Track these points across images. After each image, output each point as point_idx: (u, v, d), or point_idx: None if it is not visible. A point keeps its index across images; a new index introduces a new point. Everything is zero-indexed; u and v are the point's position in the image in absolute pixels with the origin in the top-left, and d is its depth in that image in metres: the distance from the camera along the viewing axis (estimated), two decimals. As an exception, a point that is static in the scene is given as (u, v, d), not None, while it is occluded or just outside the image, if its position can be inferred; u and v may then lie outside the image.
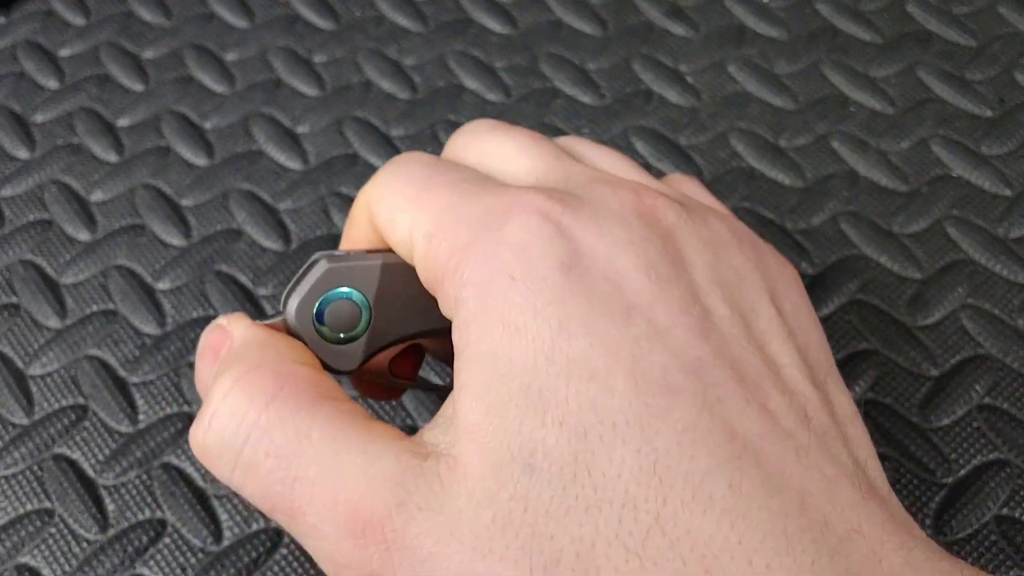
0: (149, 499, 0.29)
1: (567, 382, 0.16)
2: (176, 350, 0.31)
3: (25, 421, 0.30)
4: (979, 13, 0.38)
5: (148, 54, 0.39)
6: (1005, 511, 0.27)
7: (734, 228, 0.21)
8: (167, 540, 0.28)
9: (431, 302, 0.20)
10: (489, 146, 0.22)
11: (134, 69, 0.39)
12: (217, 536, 0.28)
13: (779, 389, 0.18)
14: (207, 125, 0.37)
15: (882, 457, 0.28)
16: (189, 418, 0.30)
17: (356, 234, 0.23)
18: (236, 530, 0.28)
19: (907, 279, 0.32)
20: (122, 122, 0.37)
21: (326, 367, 0.21)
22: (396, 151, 0.36)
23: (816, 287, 0.32)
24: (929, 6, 0.38)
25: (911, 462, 0.28)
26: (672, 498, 0.15)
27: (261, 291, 0.33)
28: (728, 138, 0.35)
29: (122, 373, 0.31)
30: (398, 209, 0.20)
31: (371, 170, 0.35)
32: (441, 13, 0.40)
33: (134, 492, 0.29)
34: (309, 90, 0.38)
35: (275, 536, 0.28)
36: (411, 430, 0.29)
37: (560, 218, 0.18)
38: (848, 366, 0.30)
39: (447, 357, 0.19)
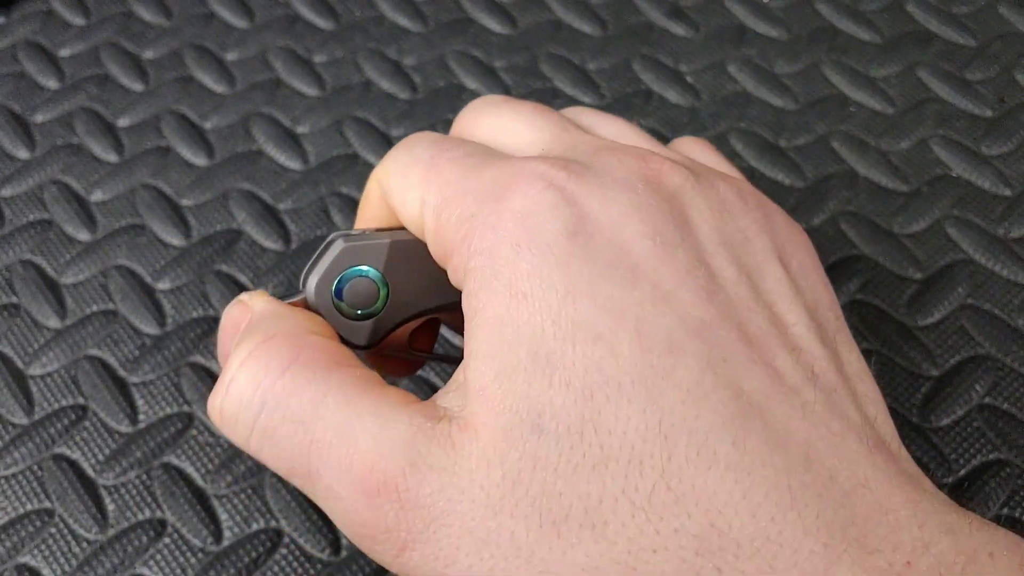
0: (149, 499, 0.29)
1: (573, 345, 0.17)
2: (176, 350, 0.31)
3: (25, 421, 0.30)
4: (979, 13, 0.38)
5: (148, 54, 0.39)
6: (1005, 511, 0.27)
7: (742, 190, 0.21)
8: (167, 540, 0.28)
9: (445, 276, 0.20)
10: (495, 121, 0.23)
11: (134, 69, 0.39)
12: (217, 536, 0.28)
13: (786, 348, 0.18)
14: (207, 125, 0.37)
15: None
16: (189, 418, 0.30)
17: (370, 213, 0.24)
18: (236, 530, 0.28)
19: (907, 279, 0.32)
20: (122, 122, 0.37)
21: (345, 343, 0.21)
22: (396, 151, 0.36)
23: (816, 287, 0.32)
24: (929, 6, 0.38)
25: (911, 462, 0.28)
26: (677, 455, 0.16)
27: (261, 291, 0.33)
28: (728, 138, 0.35)
29: (122, 373, 0.31)
30: (408, 187, 0.21)
31: (371, 170, 0.35)
32: (441, 13, 0.40)
33: (134, 492, 0.29)
34: (309, 90, 0.38)
35: (275, 536, 0.28)
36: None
37: (565, 185, 0.18)
38: (848, 366, 0.30)
39: (462, 329, 0.20)
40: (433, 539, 0.17)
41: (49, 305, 0.32)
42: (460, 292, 0.19)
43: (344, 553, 0.28)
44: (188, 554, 0.28)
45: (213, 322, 0.32)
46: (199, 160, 0.36)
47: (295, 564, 0.27)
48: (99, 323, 0.32)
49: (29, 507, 0.29)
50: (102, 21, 0.40)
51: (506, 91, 0.37)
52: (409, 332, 0.24)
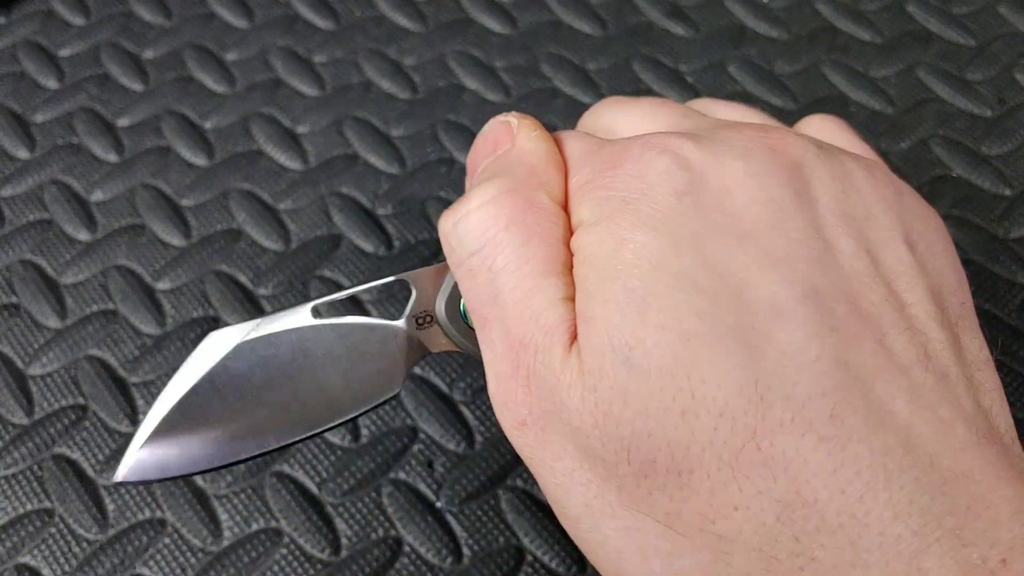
0: (149, 499, 0.29)
1: (673, 292, 0.17)
2: (176, 350, 0.31)
3: (25, 421, 0.30)
4: (979, 13, 0.38)
5: (148, 54, 0.39)
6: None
7: (871, 167, 0.20)
8: (167, 540, 0.28)
9: None
10: (616, 117, 0.23)
11: (134, 69, 0.39)
12: (217, 536, 0.28)
13: (899, 327, 0.17)
14: (207, 125, 0.37)
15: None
16: (189, 418, 0.30)
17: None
18: (236, 530, 0.28)
19: (907, 279, 0.32)
20: (122, 122, 0.37)
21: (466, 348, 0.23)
22: (396, 151, 0.36)
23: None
24: (929, 6, 0.38)
25: (911, 462, 0.28)
26: (771, 417, 0.16)
27: (261, 291, 0.33)
28: (728, 138, 0.35)
29: (122, 373, 0.31)
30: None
31: (371, 170, 0.35)
32: (441, 13, 0.40)
33: (134, 492, 0.29)
34: (309, 90, 0.38)
35: (275, 536, 0.28)
36: (411, 430, 0.29)
37: (679, 151, 0.19)
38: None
39: None
40: (543, 431, 0.18)
41: (49, 305, 0.32)
42: None
43: (344, 553, 0.28)
44: (188, 554, 0.28)
45: (213, 322, 0.32)
46: (199, 160, 0.36)
47: (295, 564, 0.27)
48: (99, 323, 0.32)
49: (29, 507, 0.29)
50: (102, 21, 0.40)
51: (506, 91, 0.37)
52: None
